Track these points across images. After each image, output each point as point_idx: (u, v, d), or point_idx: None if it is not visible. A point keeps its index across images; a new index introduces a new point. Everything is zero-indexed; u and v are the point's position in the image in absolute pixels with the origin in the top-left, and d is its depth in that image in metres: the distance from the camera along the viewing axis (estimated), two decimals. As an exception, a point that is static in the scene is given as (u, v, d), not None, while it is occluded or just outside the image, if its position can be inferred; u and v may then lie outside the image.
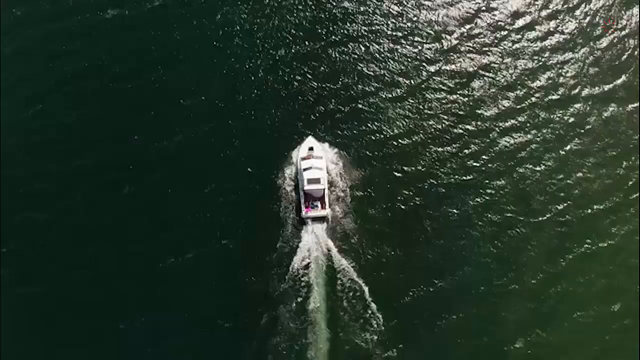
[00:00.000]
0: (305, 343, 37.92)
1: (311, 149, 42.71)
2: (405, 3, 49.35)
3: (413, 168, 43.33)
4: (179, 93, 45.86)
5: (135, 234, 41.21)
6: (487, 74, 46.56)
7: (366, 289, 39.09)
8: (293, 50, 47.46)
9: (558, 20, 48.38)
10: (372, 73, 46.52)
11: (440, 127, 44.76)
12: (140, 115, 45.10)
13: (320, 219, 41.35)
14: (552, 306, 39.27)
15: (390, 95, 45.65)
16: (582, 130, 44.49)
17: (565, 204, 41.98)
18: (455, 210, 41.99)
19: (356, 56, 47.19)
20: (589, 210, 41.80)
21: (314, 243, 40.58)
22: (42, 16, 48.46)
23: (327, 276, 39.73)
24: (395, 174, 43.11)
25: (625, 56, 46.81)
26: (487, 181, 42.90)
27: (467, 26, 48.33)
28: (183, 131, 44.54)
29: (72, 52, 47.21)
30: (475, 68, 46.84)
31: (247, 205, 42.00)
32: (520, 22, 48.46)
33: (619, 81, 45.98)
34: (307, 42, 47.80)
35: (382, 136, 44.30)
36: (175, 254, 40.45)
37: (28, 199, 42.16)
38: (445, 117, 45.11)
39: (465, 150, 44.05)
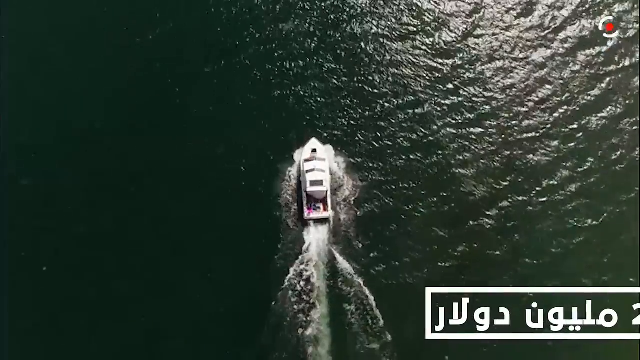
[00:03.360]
0: (306, 345, 37.67)
1: (314, 150, 42.86)
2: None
3: (418, 171, 43.34)
4: (179, 93, 45.88)
5: (136, 235, 41.00)
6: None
7: (368, 291, 38.88)
8: (301, 50, 47.52)
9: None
10: (382, 78, 46.47)
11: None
12: (141, 116, 45.13)
13: (323, 221, 41.35)
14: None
15: (401, 102, 45.68)
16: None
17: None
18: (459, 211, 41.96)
19: (368, 66, 47.20)
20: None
21: (315, 245, 40.52)
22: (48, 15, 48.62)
23: (329, 278, 39.58)
24: (400, 177, 43.04)
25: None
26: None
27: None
28: (185, 131, 44.51)
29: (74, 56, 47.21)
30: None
31: (248, 207, 41.82)
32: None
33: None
34: (318, 43, 47.93)
35: (387, 139, 44.22)
36: (176, 255, 40.24)
37: (28, 199, 41.97)
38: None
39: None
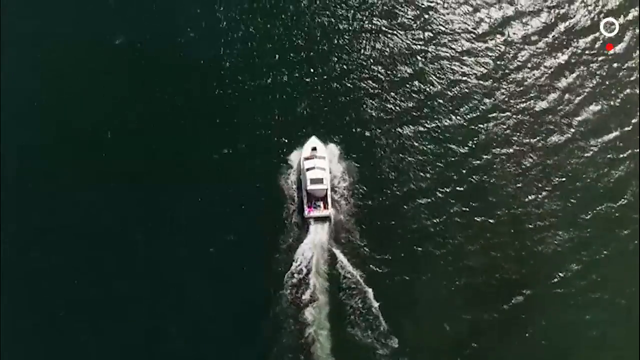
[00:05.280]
0: (307, 344, 37.43)
1: (314, 149, 42.65)
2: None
3: (417, 169, 43.20)
4: (179, 93, 45.86)
5: (136, 235, 40.95)
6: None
7: (369, 289, 38.64)
8: (300, 48, 47.43)
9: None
10: (381, 75, 46.36)
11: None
12: (141, 116, 45.17)
13: (323, 219, 41.09)
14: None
15: (400, 98, 45.50)
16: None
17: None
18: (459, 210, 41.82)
19: (366, 59, 47.01)
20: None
21: (316, 243, 40.26)
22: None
23: (329, 277, 39.36)
24: (400, 174, 42.92)
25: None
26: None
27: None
28: (186, 130, 44.55)
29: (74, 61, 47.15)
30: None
31: (249, 206, 41.67)
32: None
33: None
34: (316, 41, 47.83)
35: (387, 137, 44.15)
36: (176, 255, 40.09)
37: (28, 200, 42.03)
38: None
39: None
